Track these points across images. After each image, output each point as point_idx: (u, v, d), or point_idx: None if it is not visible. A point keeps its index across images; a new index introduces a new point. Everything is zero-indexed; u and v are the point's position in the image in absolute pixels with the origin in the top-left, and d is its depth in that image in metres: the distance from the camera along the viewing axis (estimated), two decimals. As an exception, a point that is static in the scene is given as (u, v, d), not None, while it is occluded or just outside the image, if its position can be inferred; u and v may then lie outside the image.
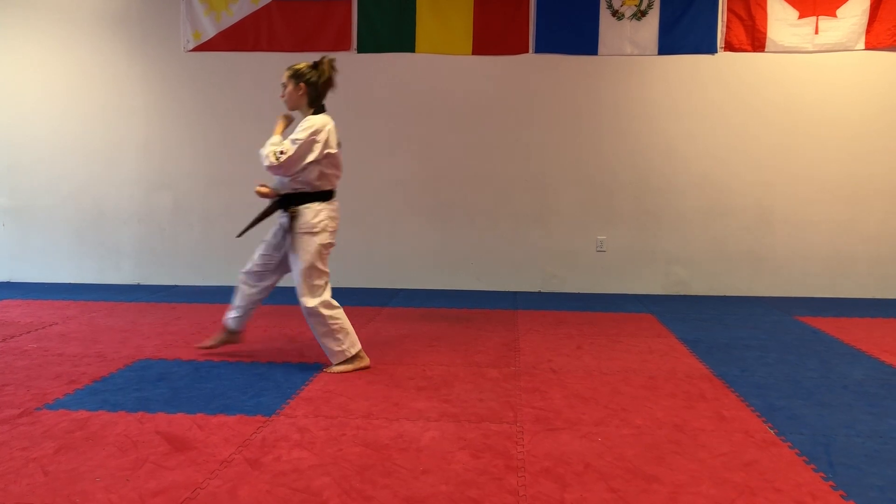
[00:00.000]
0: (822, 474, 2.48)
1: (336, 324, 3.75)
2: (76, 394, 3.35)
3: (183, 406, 3.18)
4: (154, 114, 6.86)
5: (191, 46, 6.74)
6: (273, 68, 6.69)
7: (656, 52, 6.45)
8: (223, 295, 6.26)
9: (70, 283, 6.90)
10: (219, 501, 2.25)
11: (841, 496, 2.31)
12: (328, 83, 3.74)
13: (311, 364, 3.93)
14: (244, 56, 6.70)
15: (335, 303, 3.77)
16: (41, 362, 3.92)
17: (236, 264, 6.86)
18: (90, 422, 2.95)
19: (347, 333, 3.78)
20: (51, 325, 4.90)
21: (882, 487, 2.38)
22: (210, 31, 6.70)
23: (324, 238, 3.72)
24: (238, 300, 4.04)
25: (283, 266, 3.94)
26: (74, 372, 3.72)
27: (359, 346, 3.84)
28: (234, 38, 6.69)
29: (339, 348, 3.77)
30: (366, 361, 3.86)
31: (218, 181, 6.81)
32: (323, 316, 3.72)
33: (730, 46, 6.41)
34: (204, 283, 6.81)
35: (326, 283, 3.77)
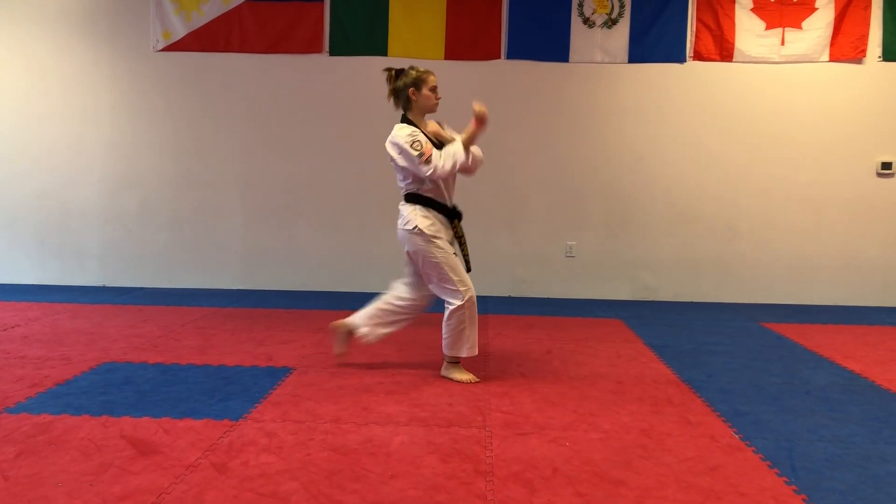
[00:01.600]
0: (786, 479, 2.52)
1: None
2: (39, 397, 3.29)
3: (149, 410, 3.14)
4: (122, 113, 6.76)
5: (160, 46, 6.67)
6: (244, 70, 6.66)
7: (626, 59, 6.53)
8: (190, 297, 6.21)
9: (33, 285, 6.77)
10: (184, 507, 2.23)
11: (803, 500, 2.35)
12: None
13: (279, 368, 3.91)
14: (215, 57, 6.64)
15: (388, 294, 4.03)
16: (2, 365, 3.84)
17: (203, 266, 6.88)
18: (53, 426, 2.90)
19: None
20: (13, 327, 4.81)
21: (843, 492, 2.42)
22: (180, 31, 6.63)
23: None
24: None
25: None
26: (37, 375, 3.65)
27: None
28: (204, 39, 6.63)
29: None
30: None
31: (186, 182, 6.72)
32: None
33: (698, 56, 6.51)
34: (171, 286, 6.72)
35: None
